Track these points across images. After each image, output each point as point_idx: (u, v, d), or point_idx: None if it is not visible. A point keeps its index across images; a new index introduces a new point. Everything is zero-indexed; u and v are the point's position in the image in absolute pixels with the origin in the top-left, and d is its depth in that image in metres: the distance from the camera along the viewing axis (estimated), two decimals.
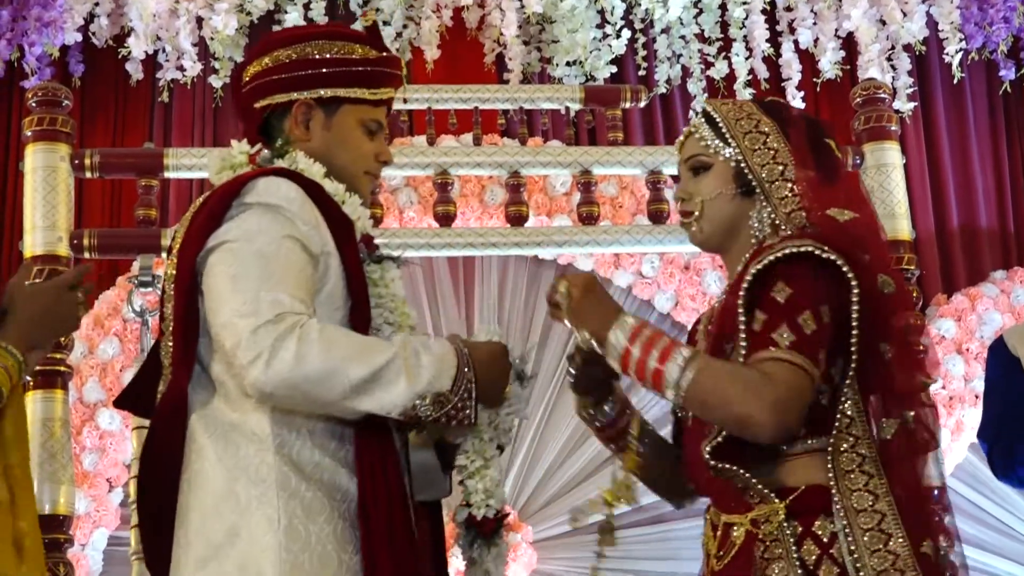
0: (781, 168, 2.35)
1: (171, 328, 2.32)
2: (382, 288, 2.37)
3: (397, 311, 2.38)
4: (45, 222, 4.03)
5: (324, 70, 2.45)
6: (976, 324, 5.71)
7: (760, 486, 2.18)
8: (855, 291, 2.20)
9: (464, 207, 5.43)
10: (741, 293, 2.20)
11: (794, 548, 2.14)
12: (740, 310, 2.18)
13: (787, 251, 2.20)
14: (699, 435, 2.22)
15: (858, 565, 2.12)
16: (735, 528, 2.21)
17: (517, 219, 4.55)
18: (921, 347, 2.31)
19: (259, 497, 2.19)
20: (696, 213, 2.39)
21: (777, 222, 2.34)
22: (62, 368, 4.16)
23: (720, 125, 2.39)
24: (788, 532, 2.16)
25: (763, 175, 2.35)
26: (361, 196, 2.46)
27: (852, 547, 2.13)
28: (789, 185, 2.34)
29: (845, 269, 2.20)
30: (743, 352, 2.17)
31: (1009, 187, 6.44)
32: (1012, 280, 5.87)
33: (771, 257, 2.20)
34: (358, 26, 2.57)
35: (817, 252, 2.20)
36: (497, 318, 5.60)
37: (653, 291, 5.74)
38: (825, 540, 2.15)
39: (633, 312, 5.93)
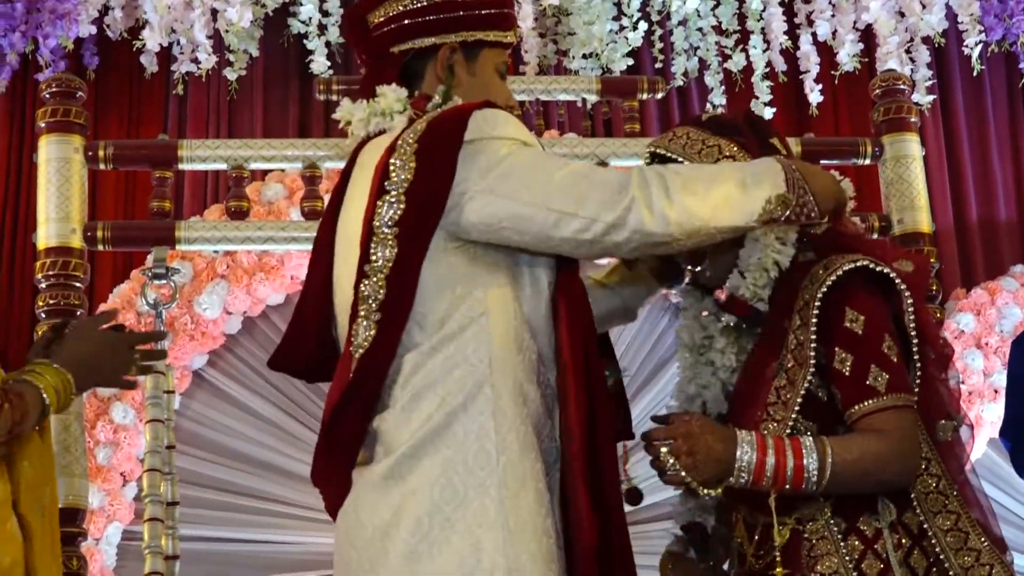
0: None
1: (381, 279, 2.16)
2: None
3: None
4: (58, 214, 3.99)
5: (466, 12, 2.37)
6: (995, 318, 5.66)
7: None
8: (908, 301, 2.21)
9: None
10: (813, 323, 2.18)
11: (842, 543, 2.17)
12: (812, 339, 2.18)
13: (846, 268, 2.20)
14: None
15: (946, 565, 2.17)
16: (780, 528, 2.20)
17: None
18: (942, 340, 2.32)
19: (476, 432, 2.13)
20: None
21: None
22: None
23: (681, 162, 2.35)
24: (835, 529, 2.19)
25: None
26: None
27: (937, 550, 2.18)
28: None
29: (898, 281, 2.21)
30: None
31: None
32: None
33: (832, 278, 2.20)
34: None
35: (872, 266, 2.21)
36: None
37: None
38: (869, 536, 2.18)
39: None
